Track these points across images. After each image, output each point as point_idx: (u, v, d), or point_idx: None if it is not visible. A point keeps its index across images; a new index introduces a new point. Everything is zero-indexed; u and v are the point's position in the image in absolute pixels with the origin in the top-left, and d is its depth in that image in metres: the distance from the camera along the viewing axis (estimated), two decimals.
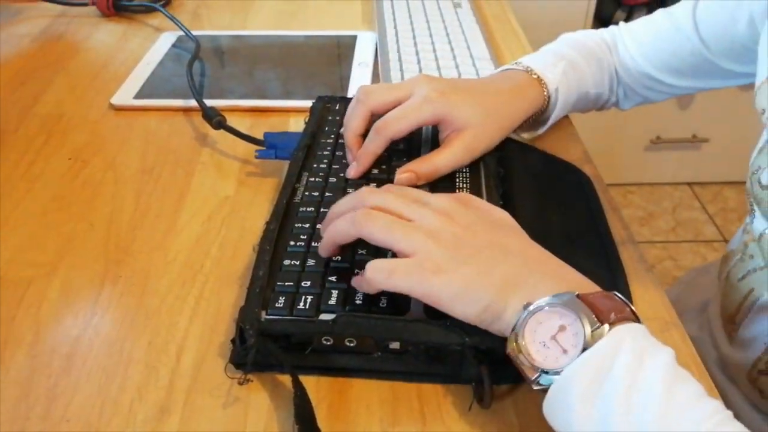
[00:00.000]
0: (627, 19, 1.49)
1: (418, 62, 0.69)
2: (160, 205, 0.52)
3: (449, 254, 0.35)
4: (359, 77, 0.69)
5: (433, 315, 0.37)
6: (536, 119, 0.56)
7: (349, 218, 0.38)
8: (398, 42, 0.73)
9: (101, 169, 0.56)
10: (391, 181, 0.47)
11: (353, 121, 0.48)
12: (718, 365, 0.57)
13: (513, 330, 0.33)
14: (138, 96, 0.66)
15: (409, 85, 0.49)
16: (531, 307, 0.33)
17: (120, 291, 0.45)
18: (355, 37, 0.77)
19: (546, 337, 0.33)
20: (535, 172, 0.53)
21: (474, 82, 0.55)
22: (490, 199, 0.46)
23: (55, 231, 0.50)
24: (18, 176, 0.56)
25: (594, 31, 0.63)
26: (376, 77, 0.68)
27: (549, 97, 0.55)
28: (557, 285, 0.34)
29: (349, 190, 0.47)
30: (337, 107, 0.57)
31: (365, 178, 0.48)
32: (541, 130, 0.57)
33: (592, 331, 0.31)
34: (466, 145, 0.48)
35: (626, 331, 0.32)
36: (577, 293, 0.33)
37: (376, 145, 0.47)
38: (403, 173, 0.46)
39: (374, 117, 0.48)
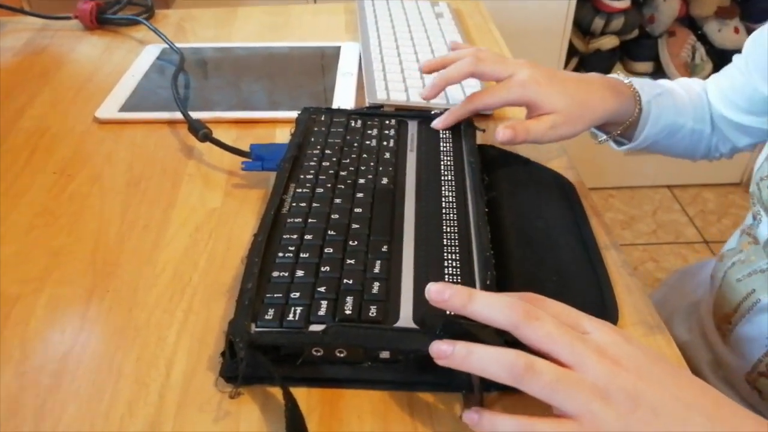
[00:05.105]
0: (605, 26, 1.52)
1: (402, 71, 0.70)
2: (147, 217, 0.52)
3: (623, 420, 0.32)
4: (344, 87, 0.69)
5: (423, 324, 0.38)
6: (625, 133, 0.58)
7: (506, 367, 0.33)
8: (381, 52, 0.74)
9: (87, 183, 0.56)
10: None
11: (456, 74, 0.54)
12: (712, 367, 0.57)
13: None
14: (123, 109, 0.66)
15: (512, 67, 0.53)
16: None
17: (108, 305, 0.45)
18: (339, 48, 0.78)
19: None
20: (519, 180, 0.54)
21: (570, 74, 0.56)
22: (476, 207, 0.47)
23: (42, 246, 0.50)
24: (3, 191, 0.55)
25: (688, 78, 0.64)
26: (360, 87, 0.69)
27: (641, 110, 0.55)
28: None
29: (337, 200, 0.47)
30: (322, 118, 0.58)
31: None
32: (629, 146, 0.59)
33: None
34: (551, 125, 0.52)
35: None
36: None
37: (463, 110, 0.55)
38: (506, 128, 0.51)
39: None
